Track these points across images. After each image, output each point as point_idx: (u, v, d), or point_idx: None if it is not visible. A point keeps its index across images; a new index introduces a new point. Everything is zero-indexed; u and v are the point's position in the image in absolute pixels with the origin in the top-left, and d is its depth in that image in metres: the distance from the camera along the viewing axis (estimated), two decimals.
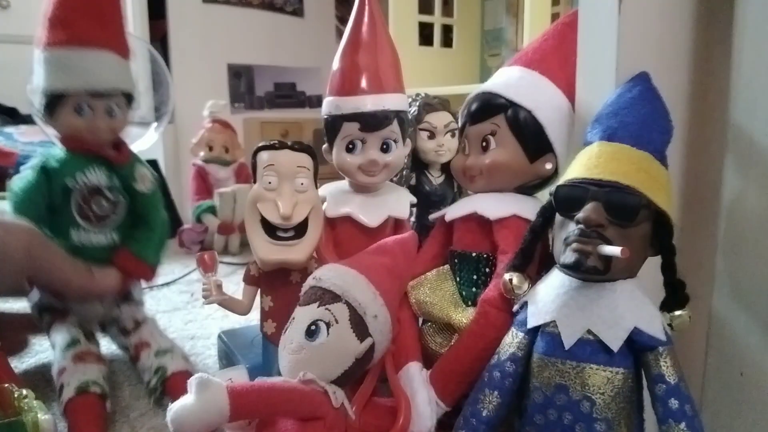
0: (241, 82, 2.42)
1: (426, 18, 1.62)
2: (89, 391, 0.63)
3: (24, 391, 0.50)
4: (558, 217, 0.48)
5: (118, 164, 0.75)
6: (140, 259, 0.77)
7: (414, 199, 0.73)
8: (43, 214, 0.72)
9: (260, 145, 0.61)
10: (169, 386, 0.68)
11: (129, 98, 0.76)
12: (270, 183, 0.59)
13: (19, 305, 0.84)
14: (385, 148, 0.65)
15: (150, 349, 0.74)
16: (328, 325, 0.50)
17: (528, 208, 0.55)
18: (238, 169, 1.64)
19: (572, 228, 0.44)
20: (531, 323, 0.47)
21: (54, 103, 0.71)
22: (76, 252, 0.72)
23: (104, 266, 0.75)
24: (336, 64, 0.67)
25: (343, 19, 2.60)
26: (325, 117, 0.66)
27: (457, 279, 0.60)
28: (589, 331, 0.44)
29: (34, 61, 0.71)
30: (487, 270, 0.58)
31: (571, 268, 0.44)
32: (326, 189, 0.71)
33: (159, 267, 0.81)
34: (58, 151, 0.74)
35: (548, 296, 0.47)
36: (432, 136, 0.83)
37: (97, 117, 0.72)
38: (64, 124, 0.72)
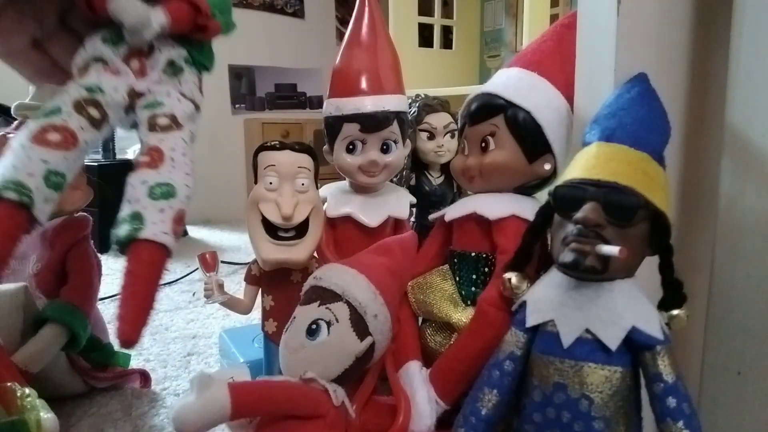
0: (242, 84, 2.42)
1: (426, 19, 1.63)
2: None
3: (27, 390, 0.50)
4: (556, 217, 0.48)
5: None
6: None
7: (414, 200, 0.74)
8: None
9: (261, 145, 0.61)
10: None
11: None
12: (271, 183, 0.60)
13: None
14: (385, 149, 0.66)
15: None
16: (328, 324, 0.50)
17: (527, 208, 0.56)
18: (58, 228, 0.72)
19: (571, 228, 0.44)
20: (530, 322, 0.47)
21: None
22: None
23: None
24: (336, 65, 0.67)
25: (343, 21, 2.60)
26: (326, 118, 0.67)
27: (457, 279, 0.60)
28: (587, 330, 0.44)
29: None
30: (487, 270, 0.58)
31: (569, 268, 0.44)
32: (327, 189, 0.72)
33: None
34: None
35: (547, 295, 0.47)
36: (431, 136, 0.83)
37: None
38: None
